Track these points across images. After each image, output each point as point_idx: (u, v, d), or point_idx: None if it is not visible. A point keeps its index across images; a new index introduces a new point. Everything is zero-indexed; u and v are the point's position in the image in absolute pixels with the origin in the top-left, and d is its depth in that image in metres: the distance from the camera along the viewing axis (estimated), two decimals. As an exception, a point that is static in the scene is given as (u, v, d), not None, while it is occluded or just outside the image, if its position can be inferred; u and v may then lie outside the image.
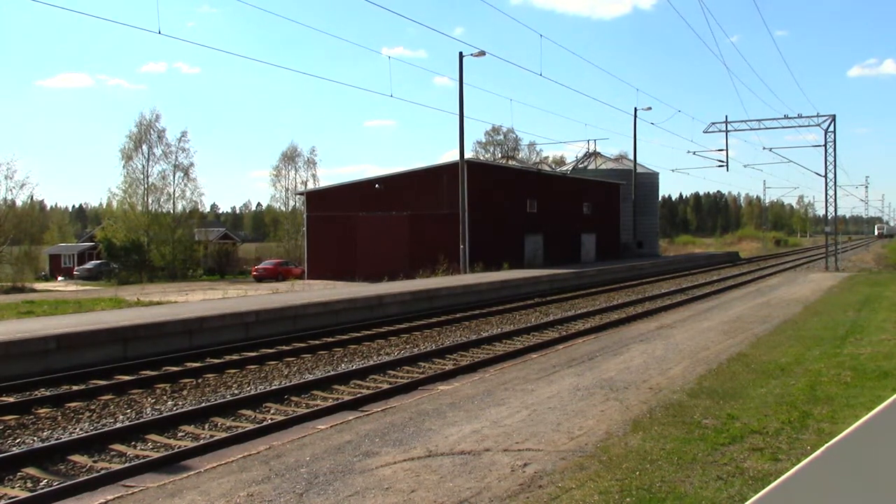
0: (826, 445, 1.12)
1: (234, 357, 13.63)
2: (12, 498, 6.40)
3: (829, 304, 19.27)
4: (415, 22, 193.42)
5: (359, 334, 16.48)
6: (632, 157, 56.09)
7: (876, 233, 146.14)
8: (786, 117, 38.55)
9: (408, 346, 15.14)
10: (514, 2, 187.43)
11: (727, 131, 39.99)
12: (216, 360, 13.37)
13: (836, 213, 41.95)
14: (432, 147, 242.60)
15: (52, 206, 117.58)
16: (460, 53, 32.48)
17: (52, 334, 12.72)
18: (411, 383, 11.20)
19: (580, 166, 54.07)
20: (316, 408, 9.69)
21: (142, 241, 55.48)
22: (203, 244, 61.24)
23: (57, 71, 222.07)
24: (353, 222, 41.06)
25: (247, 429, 8.64)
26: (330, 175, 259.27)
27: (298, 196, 61.90)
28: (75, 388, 11.14)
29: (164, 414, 9.49)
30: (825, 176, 38.07)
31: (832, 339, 12.34)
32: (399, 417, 7.62)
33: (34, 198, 62.84)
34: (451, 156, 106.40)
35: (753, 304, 19.48)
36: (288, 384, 11.23)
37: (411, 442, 6.63)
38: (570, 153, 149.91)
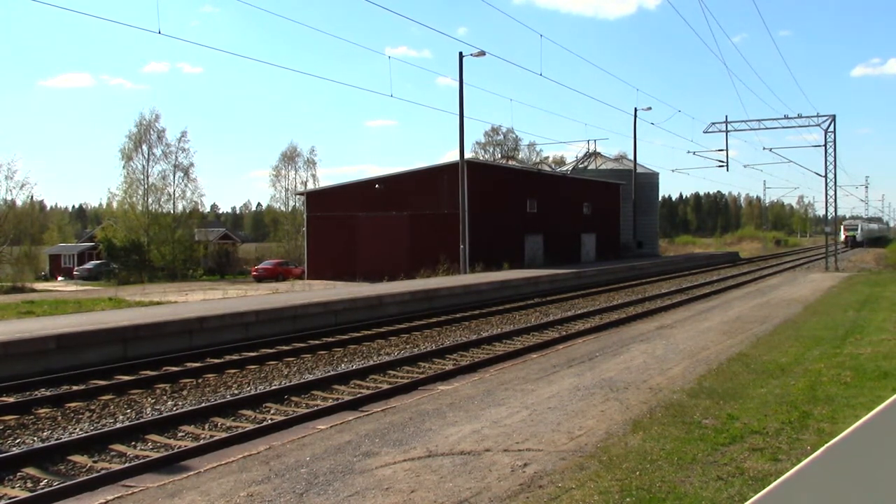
0: (826, 445, 1.12)
1: (234, 357, 13.63)
2: (12, 498, 6.40)
3: (828, 304, 19.27)
4: (415, 22, 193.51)
5: (359, 334, 16.48)
6: (632, 157, 56.13)
7: (842, 237, 78.16)
8: (786, 117, 38.59)
9: (408, 346, 15.14)
10: (517, 2, 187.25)
11: (727, 131, 40.04)
12: (216, 360, 13.36)
13: (836, 213, 42.00)
14: (433, 147, 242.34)
15: (52, 206, 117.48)
16: (460, 53, 32.50)
17: (52, 334, 12.72)
18: (411, 383, 11.19)
19: (580, 166, 54.06)
20: (316, 408, 9.69)
21: (142, 242, 55.47)
22: (203, 244, 61.27)
23: (59, 71, 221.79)
24: (354, 222, 41.06)
25: (247, 429, 8.64)
26: (330, 175, 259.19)
27: (298, 196, 61.94)
28: (75, 388, 11.14)
29: (164, 414, 9.49)
30: (825, 176, 38.10)
31: (832, 339, 12.33)
32: (399, 417, 7.62)
33: (34, 198, 62.86)
34: (452, 156, 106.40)
35: (753, 304, 19.48)
36: (288, 384, 11.23)
37: (411, 442, 6.63)
38: (570, 153, 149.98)
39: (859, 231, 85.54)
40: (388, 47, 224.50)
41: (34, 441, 8.48)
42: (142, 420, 9.19)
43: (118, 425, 8.93)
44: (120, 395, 10.80)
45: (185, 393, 11.00)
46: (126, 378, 11.79)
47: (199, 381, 11.81)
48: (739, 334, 13.52)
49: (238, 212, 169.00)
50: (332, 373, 12.15)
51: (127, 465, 7.36)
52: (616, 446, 6.25)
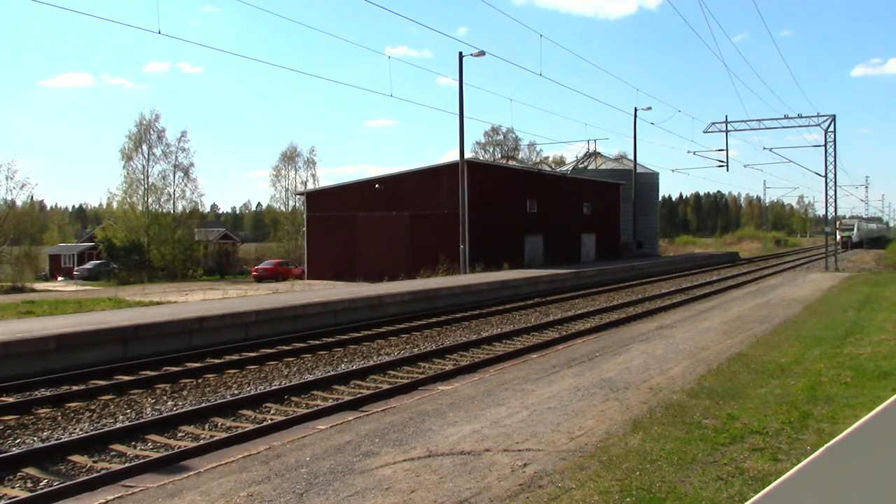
0: (826, 445, 1.12)
1: (234, 357, 13.63)
2: (12, 498, 6.40)
3: (828, 304, 19.27)
4: (415, 22, 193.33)
5: (359, 334, 16.48)
6: (632, 157, 56.14)
7: (838, 238, 59.50)
8: (786, 117, 38.60)
9: (408, 347, 15.14)
10: (517, 2, 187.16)
11: (727, 131, 40.05)
12: (216, 360, 13.36)
13: (836, 213, 42.03)
14: (433, 147, 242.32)
15: (52, 206, 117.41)
16: (460, 53, 32.51)
17: (52, 334, 12.71)
18: (411, 383, 11.19)
19: (580, 166, 54.06)
20: (316, 408, 9.69)
21: (142, 242, 55.46)
22: (203, 244, 61.26)
23: (59, 71, 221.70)
24: (354, 222, 41.06)
25: (247, 429, 8.63)
26: (330, 175, 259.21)
27: (298, 196, 61.93)
28: (75, 388, 11.14)
29: (164, 414, 9.49)
30: (825, 176, 38.11)
31: (832, 339, 12.34)
32: (399, 417, 7.62)
33: (34, 198, 62.82)
34: (452, 156, 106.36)
35: (753, 304, 19.48)
36: (288, 384, 11.23)
37: (411, 442, 6.63)
38: (570, 153, 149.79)
39: (856, 231, 79.98)
40: (388, 47, 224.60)
41: (34, 441, 8.47)
42: (142, 420, 9.19)
43: (118, 425, 8.92)
44: (120, 395, 10.80)
45: (185, 393, 11.00)
46: (126, 378, 11.78)
47: (199, 381, 11.81)
48: (739, 334, 13.52)
49: (238, 212, 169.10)
50: (332, 373, 12.15)
51: (127, 465, 7.36)
52: (616, 446, 6.25)
